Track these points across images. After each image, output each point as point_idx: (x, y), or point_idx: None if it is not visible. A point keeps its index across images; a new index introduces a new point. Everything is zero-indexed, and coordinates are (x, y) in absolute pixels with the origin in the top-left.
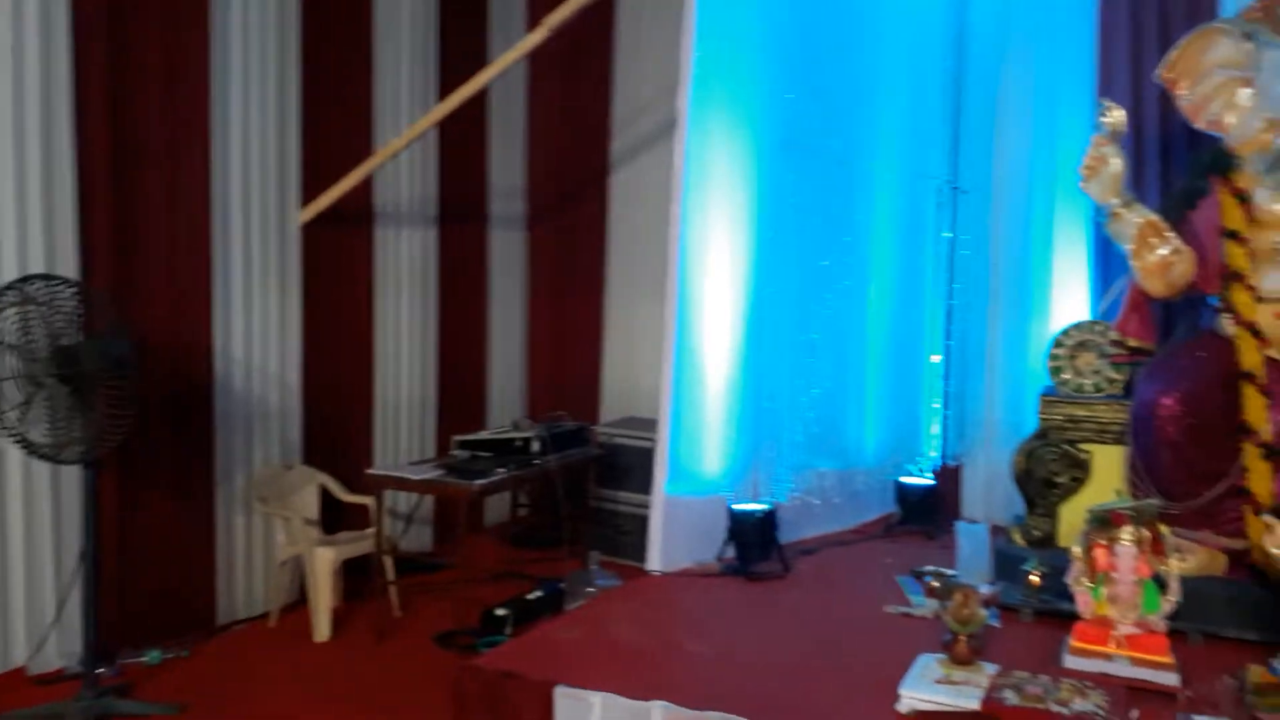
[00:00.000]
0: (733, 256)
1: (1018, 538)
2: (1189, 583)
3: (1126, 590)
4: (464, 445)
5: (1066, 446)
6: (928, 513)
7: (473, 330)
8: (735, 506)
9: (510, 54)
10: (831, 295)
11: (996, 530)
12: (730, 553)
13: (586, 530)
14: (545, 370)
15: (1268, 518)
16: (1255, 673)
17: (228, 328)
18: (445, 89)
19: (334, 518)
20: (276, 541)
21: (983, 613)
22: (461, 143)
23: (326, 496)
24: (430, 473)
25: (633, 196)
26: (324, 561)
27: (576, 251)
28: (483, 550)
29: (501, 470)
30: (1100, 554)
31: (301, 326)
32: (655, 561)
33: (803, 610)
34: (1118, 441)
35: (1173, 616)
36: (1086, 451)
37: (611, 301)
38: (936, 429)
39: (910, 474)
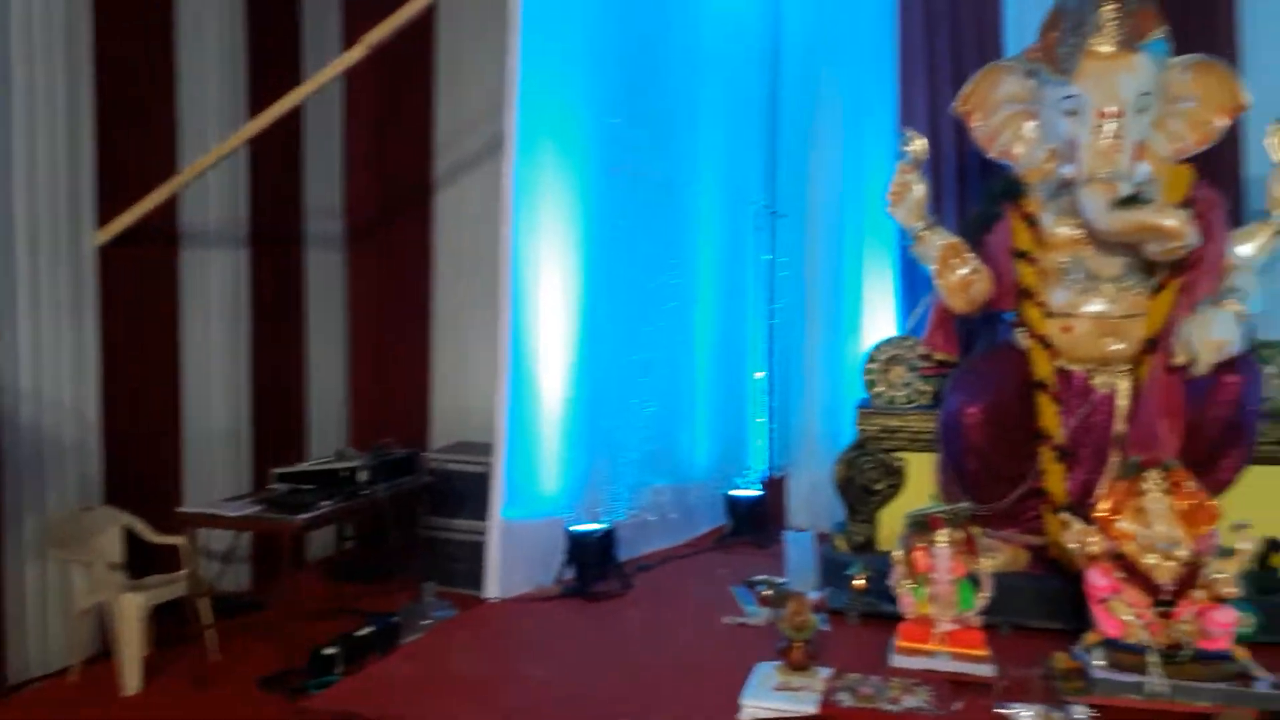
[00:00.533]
0: (564, 278)
1: (841, 544)
2: (997, 579)
3: (944, 589)
4: (284, 478)
5: (883, 455)
6: (757, 523)
7: (289, 356)
8: (574, 528)
9: (327, 71)
10: (660, 315)
11: (822, 537)
12: (570, 574)
13: (419, 561)
14: (370, 396)
15: (1063, 515)
16: (1059, 659)
17: (15, 358)
18: (256, 104)
19: (143, 561)
20: (75, 590)
21: (815, 619)
22: (274, 160)
23: (133, 538)
24: (248, 508)
25: (460, 216)
26: (131, 608)
27: (401, 272)
28: (308, 587)
29: (326, 502)
30: (920, 556)
31: (99, 355)
32: (493, 588)
33: (643, 627)
34: (929, 449)
35: (986, 612)
36: (901, 459)
37: (439, 323)
38: (762, 442)
39: (739, 486)
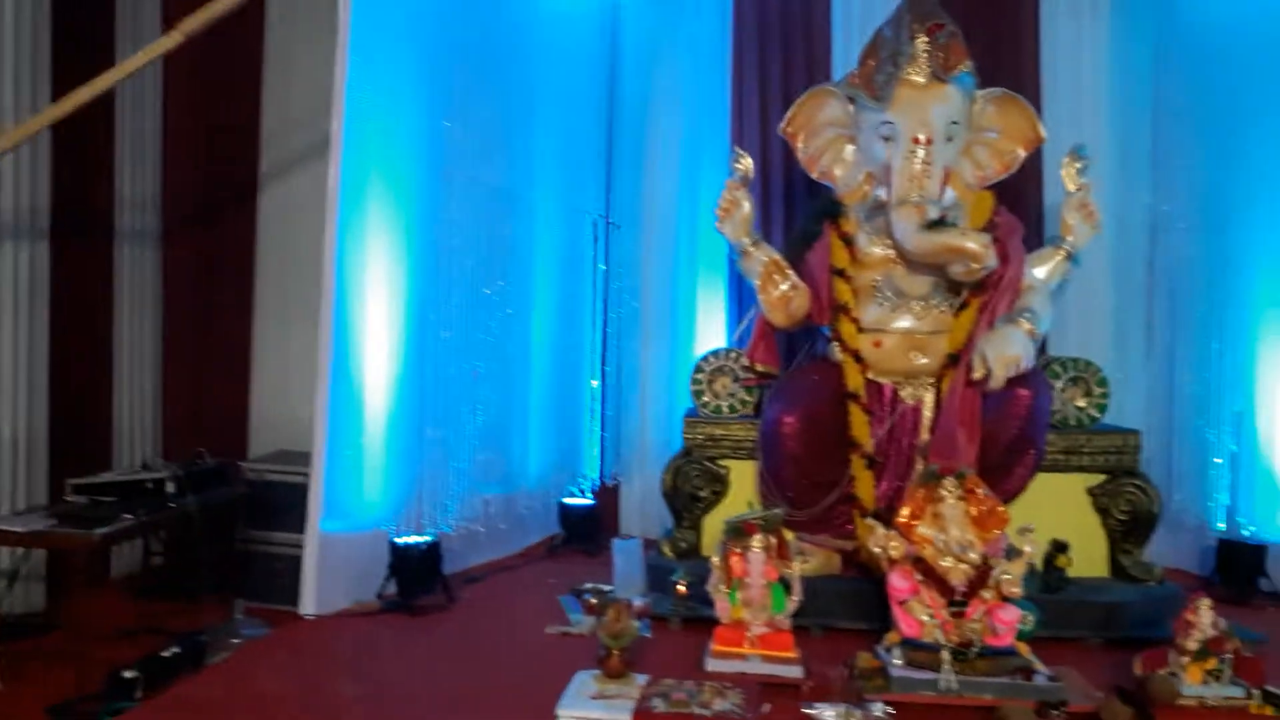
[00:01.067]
0: (392, 283)
1: (667, 550)
2: (810, 582)
3: (757, 594)
4: (81, 490)
5: (707, 463)
6: (589, 532)
7: (95, 359)
8: (397, 540)
9: (139, 57)
10: (494, 323)
11: (649, 545)
12: (392, 588)
13: (233, 576)
14: (184, 403)
15: (869, 520)
16: (863, 659)
17: None
18: (61, 88)
19: None
20: None
21: (634, 626)
22: (82, 149)
23: None
24: (39, 523)
25: (286, 216)
26: None
27: (222, 272)
28: (110, 607)
29: (129, 516)
30: (735, 561)
31: None
32: (309, 604)
33: (466, 639)
34: (751, 457)
35: (798, 614)
36: (725, 467)
37: (261, 328)
38: (595, 450)
39: (572, 495)
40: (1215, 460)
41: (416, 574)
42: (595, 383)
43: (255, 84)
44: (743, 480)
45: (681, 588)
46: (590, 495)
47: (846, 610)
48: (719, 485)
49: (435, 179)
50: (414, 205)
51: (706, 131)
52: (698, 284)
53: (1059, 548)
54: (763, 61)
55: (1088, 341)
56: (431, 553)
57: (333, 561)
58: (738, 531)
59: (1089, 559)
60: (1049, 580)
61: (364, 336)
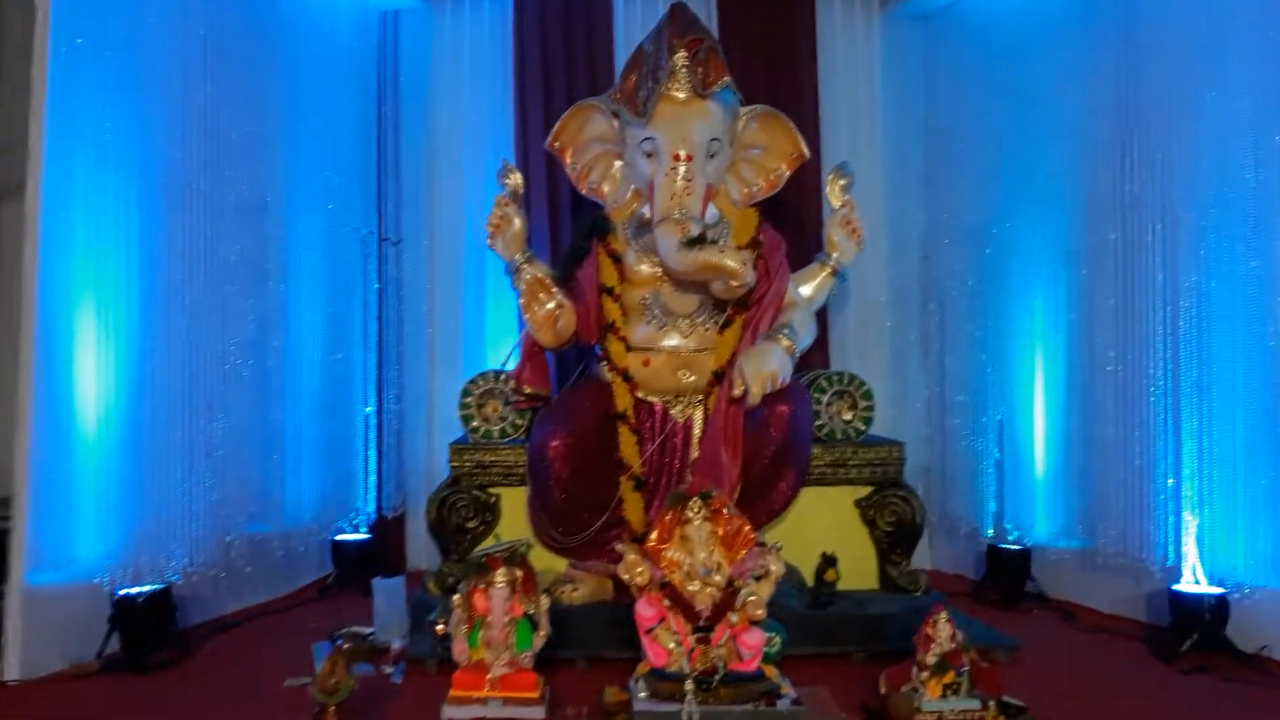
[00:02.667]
0: (108, 309)
1: (433, 587)
2: (579, 611)
3: (499, 633)
4: None
5: (476, 491)
6: (366, 569)
7: None
8: (120, 591)
9: None
10: (234, 349)
11: (414, 581)
12: (115, 646)
13: None
14: None
15: (620, 546)
16: (610, 693)
17: None
18: None
19: None
20: None
21: (351, 680)
22: None
23: None
24: None
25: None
26: None
27: None
28: None
29: None
30: (478, 599)
31: None
32: (13, 668)
33: (194, 698)
34: (523, 483)
35: (566, 645)
36: (495, 495)
37: None
38: (372, 482)
39: (345, 530)
40: (983, 467)
41: (143, 628)
42: (369, 409)
43: None
44: (515, 508)
45: (440, 627)
46: (366, 530)
47: (616, 639)
48: (489, 514)
49: (156, 195)
50: (134, 224)
51: (493, 146)
52: (487, 305)
53: (828, 562)
54: (546, 75)
55: (867, 356)
56: (160, 603)
57: (42, 618)
58: (480, 567)
59: (859, 572)
60: (819, 594)
61: (74, 367)
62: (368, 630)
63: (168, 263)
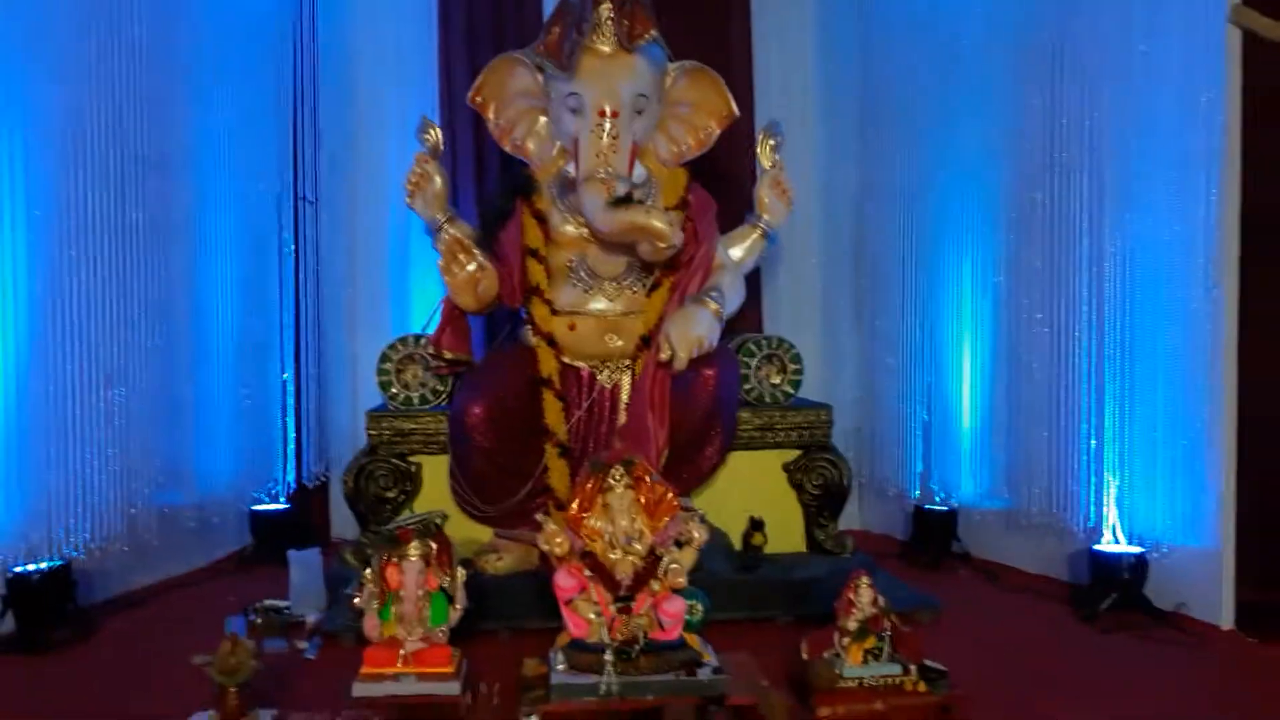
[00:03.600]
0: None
1: (351, 559)
2: (500, 581)
3: (412, 607)
4: None
5: (395, 460)
6: (285, 539)
7: None
8: (13, 569)
9: None
10: (139, 312)
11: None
12: (10, 626)
13: None
14: None
15: (540, 516)
16: (529, 666)
17: None
18: None
19: None
20: None
21: (253, 662)
22: None
23: None
24: None
25: None
26: None
27: None
28: None
29: None
30: (392, 572)
31: None
32: None
33: (92, 678)
34: (445, 451)
35: (489, 616)
36: (415, 463)
37: None
38: (289, 450)
39: (263, 500)
40: (911, 429)
41: (39, 606)
42: (286, 376)
43: None
44: (437, 477)
45: (358, 600)
46: (285, 500)
47: (540, 609)
48: (409, 484)
49: (45, 149)
50: (19, 181)
51: (417, 102)
52: (411, 266)
53: (755, 525)
54: (471, 26)
55: (799, 319)
56: (58, 580)
57: None
58: (392, 539)
59: (787, 536)
60: (746, 559)
61: None
62: (283, 604)
63: (60, 222)
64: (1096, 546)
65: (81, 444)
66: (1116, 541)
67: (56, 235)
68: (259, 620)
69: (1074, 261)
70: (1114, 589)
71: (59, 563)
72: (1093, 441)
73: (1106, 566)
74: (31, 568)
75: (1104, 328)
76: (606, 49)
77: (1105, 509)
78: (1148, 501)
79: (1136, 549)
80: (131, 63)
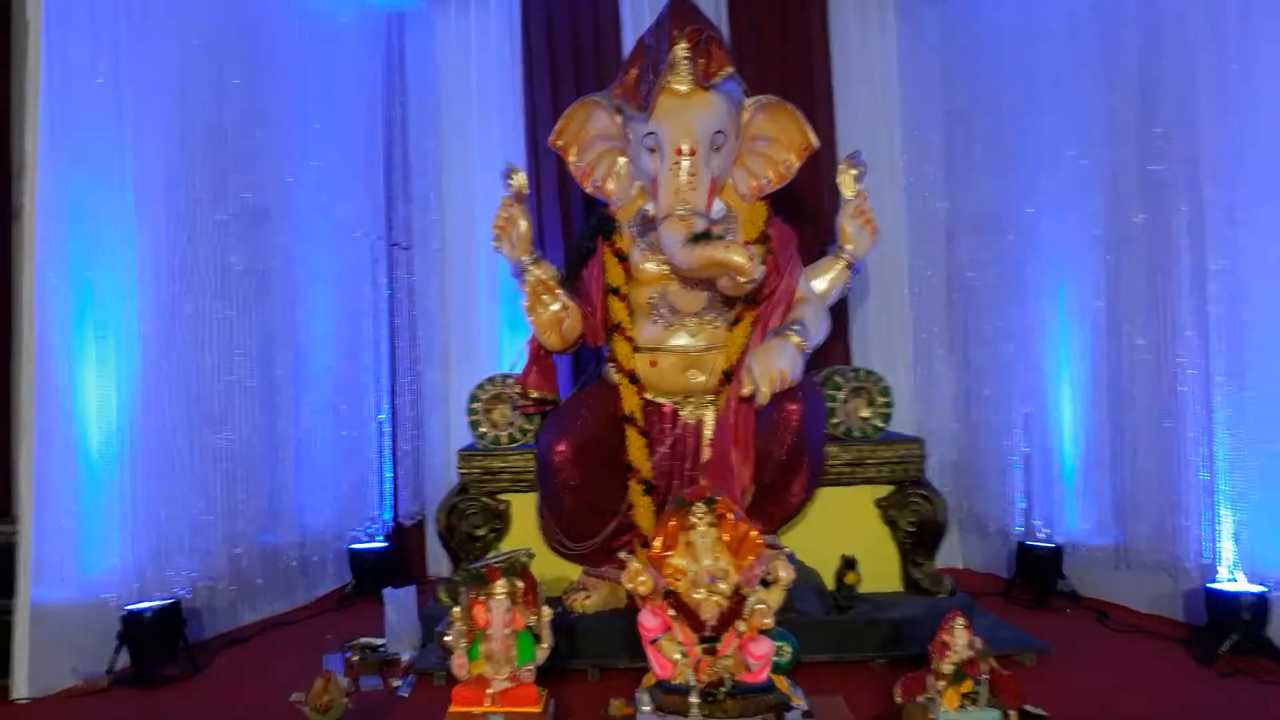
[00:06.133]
0: (109, 323)
1: (444, 597)
2: (588, 619)
3: (500, 645)
4: None
5: (485, 499)
6: (383, 578)
7: None
8: (128, 606)
9: None
10: (240, 357)
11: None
12: (125, 661)
13: None
14: None
15: (623, 554)
16: (615, 706)
17: None
18: None
19: None
20: None
21: (345, 699)
22: None
23: None
24: None
25: None
26: None
27: None
28: None
29: None
30: (480, 611)
31: None
32: (22, 686)
33: (201, 715)
34: (532, 489)
35: (578, 655)
36: (505, 501)
37: None
38: (387, 489)
39: (361, 539)
40: (1010, 462)
41: (152, 643)
42: (383, 416)
43: None
44: (526, 515)
45: (447, 638)
46: (382, 538)
47: (628, 648)
48: (499, 522)
49: (154, 205)
50: (131, 236)
51: (502, 146)
52: (501, 307)
53: (848, 564)
54: (553, 71)
55: (889, 350)
56: (169, 618)
57: (49, 634)
58: (479, 578)
59: (882, 574)
60: (839, 598)
61: (77, 378)
62: (379, 641)
63: (168, 274)
64: (1213, 585)
65: (189, 485)
66: (1234, 579)
67: (165, 285)
68: (356, 658)
69: (1176, 283)
70: (1234, 630)
71: (169, 601)
72: (1204, 473)
73: (1225, 606)
74: (144, 605)
75: (1211, 352)
76: (683, 88)
77: (1221, 544)
78: (1268, 537)
79: (1258, 588)
80: (233, 120)
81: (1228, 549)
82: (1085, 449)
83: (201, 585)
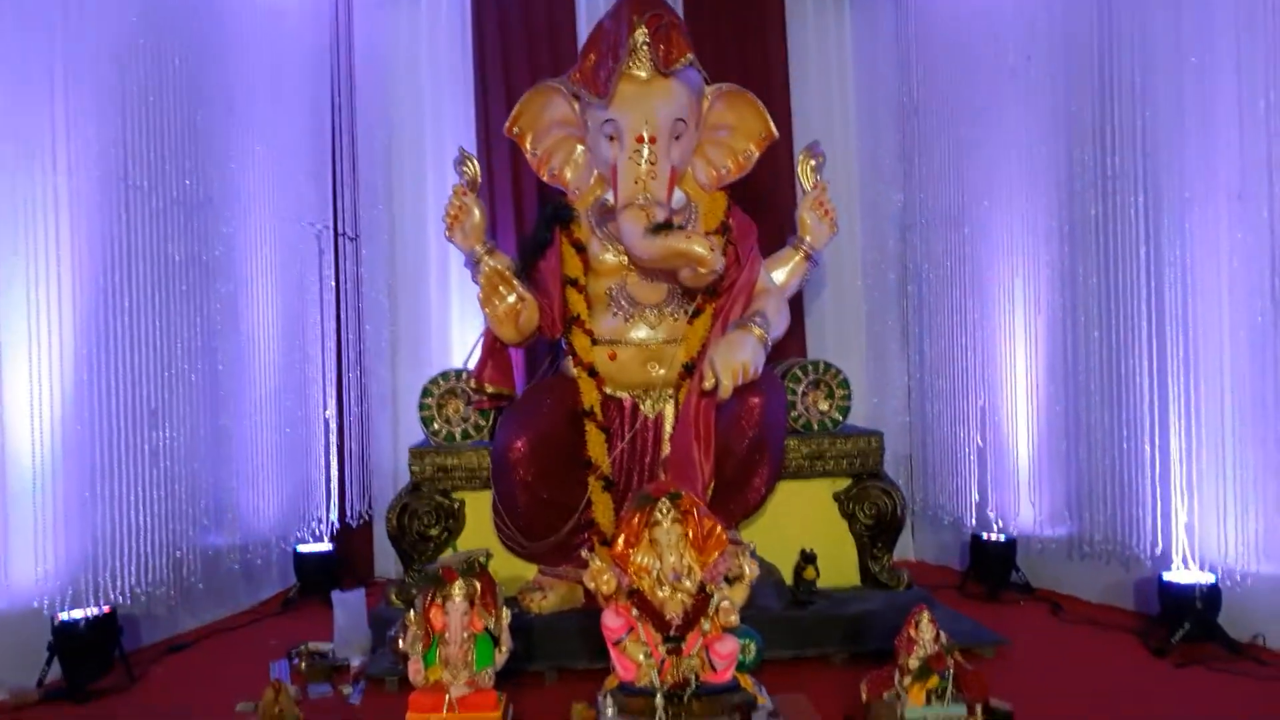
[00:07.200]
0: (38, 316)
1: (395, 599)
2: (545, 620)
3: (457, 650)
4: None
5: (438, 497)
6: (329, 580)
7: None
8: (60, 616)
9: None
10: (181, 353)
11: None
12: (56, 673)
13: None
14: None
15: (585, 553)
16: (578, 711)
17: None
18: None
19: None
20: None
21: (296, 710)
22: None
23: None
24: None
25: None
26: None
27: None
28: None
29: None
30: (436, 614)
31: None
32: None
33: None
34: (488, 486)
35: (534, 658)
36: (458, 500)
37: None
38: (334, 488)
39: (307, 540)
40: (965, 455)
41: (85, 654)
42: (328, 413)
43: None
44: (480, 514)
45: (401, 643)
46: (328, 539)
47: (587, 649)
48: (452, 521)
49: (87, 191)
50: (63, 223)
51: (454, 135)
52: (452, 300)
53: (807, 559)
54: (506, 58)
55: (844, 343)
56: (103, 627)
57: None
58: (435, 579)
59: (840, 568)
60: (799, 594)
61: (3, 380)
62: (327, 646)
63: (103, 264)
64: (1166, 575)
65: (125, 486)
66: (1187, 569)
67: (98, 272)
68: (303, 665)
69: (1132, 276)
70: (1186, 620)
71: (104, 611)
72: (1157, 464)
73: (1177, 596)
74: (78, 615)
75: (1165, 344)
76: (643, 74)
77: (1173, 535)
78: (1219, 526)
79: (1209, 577)
80: (172, 99)
81: (1180, 539)
82: (1040, 441)
83: (139, 591)
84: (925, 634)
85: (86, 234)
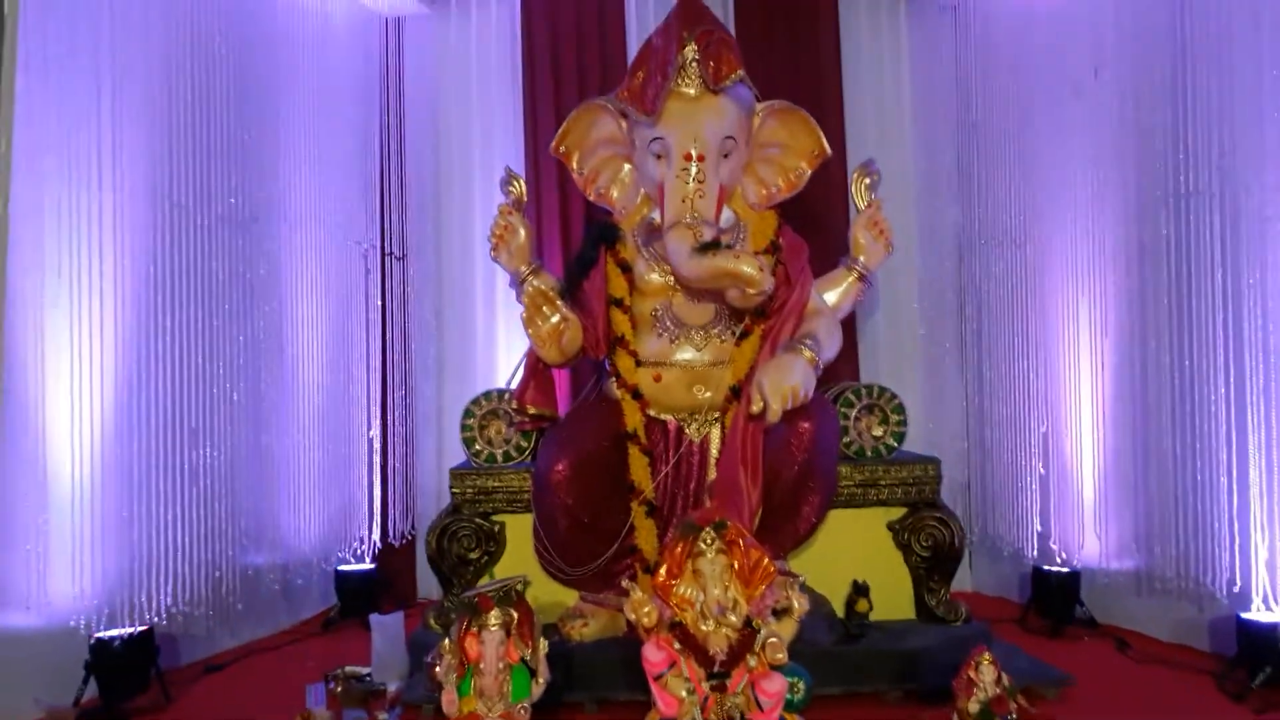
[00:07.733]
0: (82, 334)
1: (434, 623)
2: (586, 649)
3: (492, 680)
4: None
5: (479, 520)
6: (370, 601)
7: None
8: (96, 634)
9: None
10: (227, 372)
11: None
12: (93, 692)
13: None
14: None
15: (626, 581)
16: None
17: None
18: None
19: None
20: None
21: None
22: None
23: None
24: None
25: None
26: None
27: None
28: None
29: None
30: (471, 643)
31: None
32: None
33: None
34: (528, 509)
35: (574, 688)
36: (499, 523)
37: None
38: (376, 508)
39: (349, 560)
40: (1026, 484)
41: (122, 672)
42: (373, 432)
43: None
44: (521, 537)
45: (437, 671)
46: (370, 559)
47: (628, 680)
48: (493, 544)
49: (133, 210)
50: (108, 242)
51: (503, 154)
52: (499, 320)
53: (859, 591)
54: (556, 76)
55: (899, 367)
56: (140, 646)
57: (14, 663)
58: (471, 607)
59: (894, 601)
60: (850, 627)
61: (41, 392)
62: (364, 671)
63: (148, 282)
64: (1244, 614)
65: (165, 505)
66: (1267, 608)
67: (141, 290)
68: (339, 689)
69: (1206, 298)
70: (1267, 663)
71: (141, 629)
72: (1235, 497)
73: (1257, 637)
74: (115, 633)
75: (1244, 370)
76: (692, 91)
77: (1253, 572)
78: None
79: None
80: (219, 118)
81: (1259, 576)
82: (1106, 470)
83: (176, 611)
84: (986, 676)
85: (130, 252)
